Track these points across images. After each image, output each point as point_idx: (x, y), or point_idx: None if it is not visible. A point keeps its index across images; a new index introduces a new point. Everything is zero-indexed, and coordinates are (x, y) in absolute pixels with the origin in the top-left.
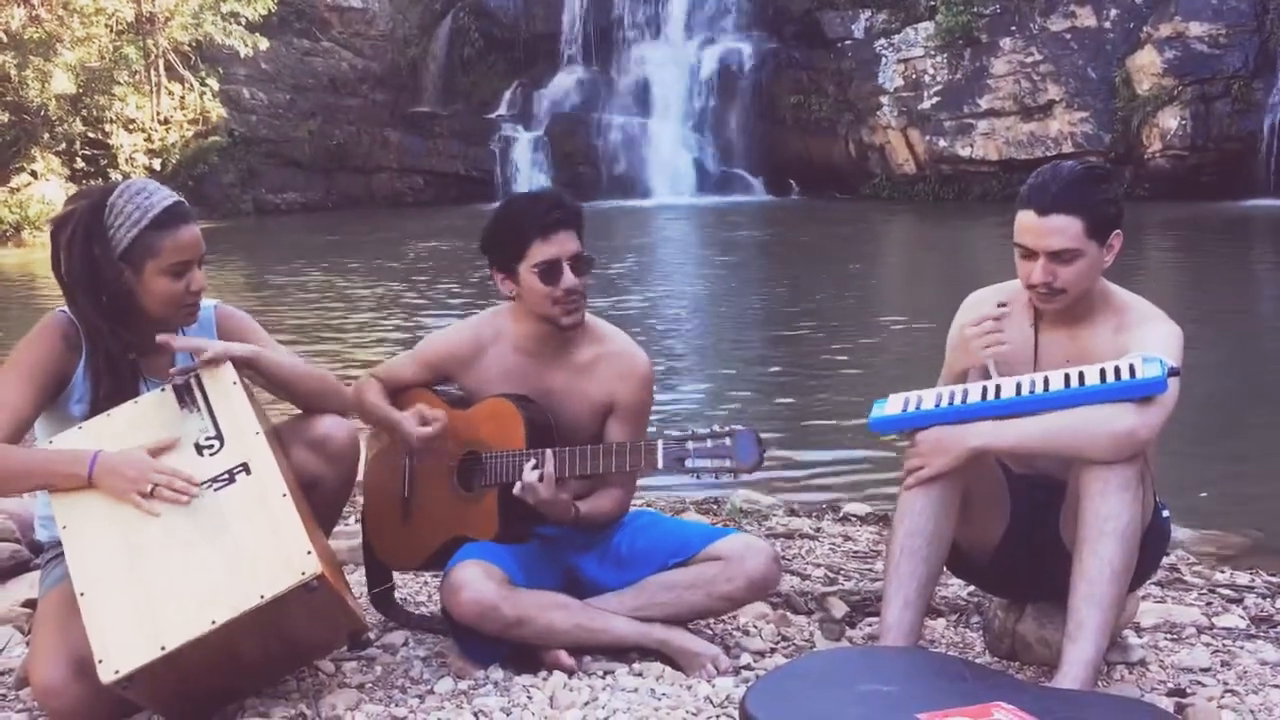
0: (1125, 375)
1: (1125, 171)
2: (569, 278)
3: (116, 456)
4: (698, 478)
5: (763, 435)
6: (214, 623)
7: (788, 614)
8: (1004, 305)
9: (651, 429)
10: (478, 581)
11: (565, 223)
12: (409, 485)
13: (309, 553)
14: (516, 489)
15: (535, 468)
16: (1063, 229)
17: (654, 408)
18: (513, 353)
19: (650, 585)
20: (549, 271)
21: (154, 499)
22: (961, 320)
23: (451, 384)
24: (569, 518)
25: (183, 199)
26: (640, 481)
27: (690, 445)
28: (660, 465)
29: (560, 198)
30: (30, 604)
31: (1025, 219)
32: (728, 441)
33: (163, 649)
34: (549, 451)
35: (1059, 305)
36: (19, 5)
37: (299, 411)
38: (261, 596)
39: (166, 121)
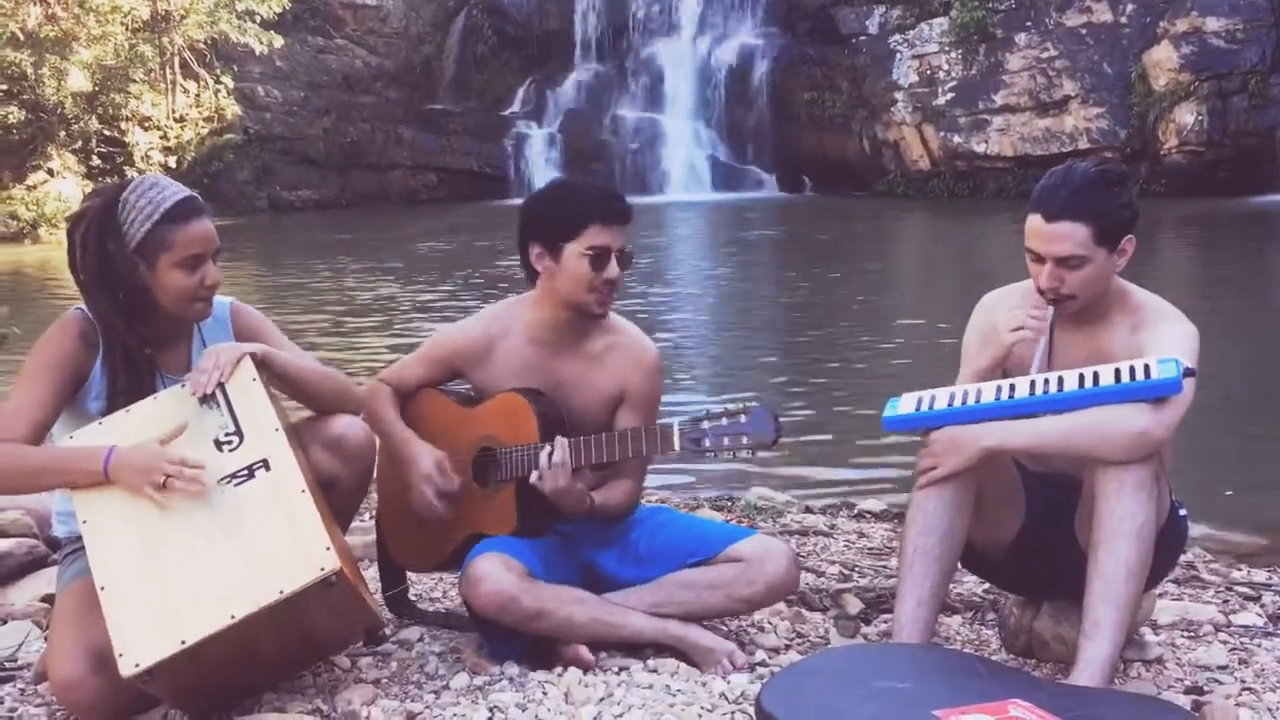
0: (1140, 375)
1: (1141, 167)
2: (614, 269)
3: (130, 450)
4: (715, 457)
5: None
6: (233, 617)
7: (803, 610)
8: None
9: (662, 421)
10: (498, 573)
11: (625, 217)
12: None
13: (328, 549)
14: (533, 478)
15: (551, 456)
16: (1069, 235)
17: (666, 402)
18: (525, 344)
19: (669, 583)
20: (599, 258)
21: (167, 491)
22: (977, 320)
23: (460, 381)
24: (584, 509)
25: (195, 194)
26: (654, 478)
27: (706, 425)
28: (677, 447)
29: (617, 190)
30: (48, 599)
31: (1033, 223)
32: (743, 419)
33: (182, 643)
34: (564, 440)
35: (1070, 309)
36: (35, 4)
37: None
38: (281, 592)
39: (182, 119)
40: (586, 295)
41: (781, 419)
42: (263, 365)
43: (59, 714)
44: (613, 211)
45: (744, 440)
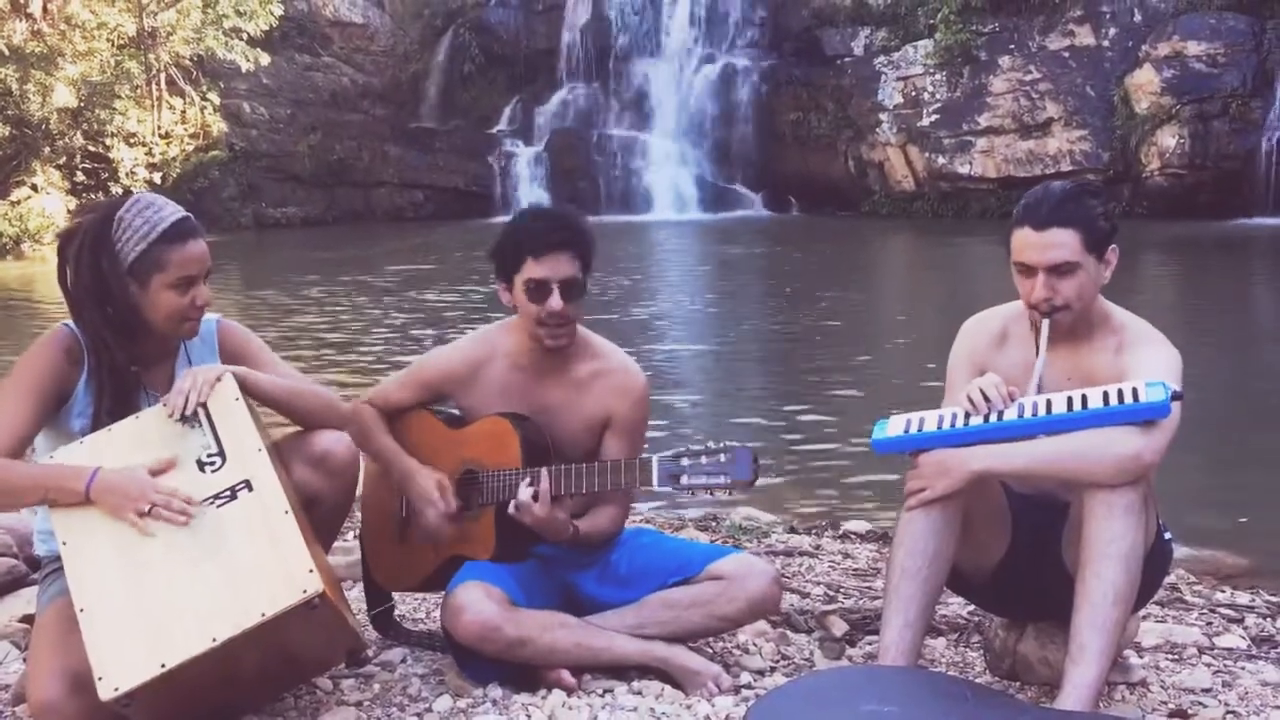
0: (1129, 399)
1: (1123, 190)
2: (555, 301)
3: (116, 474)
4: (693, 495)
5: (763, 451)
6: (215, 640)
7: (787, 632)
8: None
9: (648, 445)
10: (479, 603)
11: (563, 245)
12: (407, 505)
13: (311, 571)
14: (511, 508)
15: (530, 486)
16: (1062, 242)
17: (652, 426)
18: (510, 369)
19: (650, 604)
20: (537, 291)
21: (151, 518)
22: (960, 345)
23: (447, 403)
24: (566, 536)
25: (190, 215)
26: (638, 498)
27: (686, 462)
28: (655, 483)
29: (565, 218)
30: (28, 619)
31: (1022, 236)
32: (723, 458)
33: (163, 666)
34: (544, 470)
35: (1064, 321)
36: (21, 19)
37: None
38: (263, 614)
39: (167, 135)
40: (536, 329)
41: (765, 452)
42: (241, 386)
43: None
44: (544, 243)
45: (722, 480)
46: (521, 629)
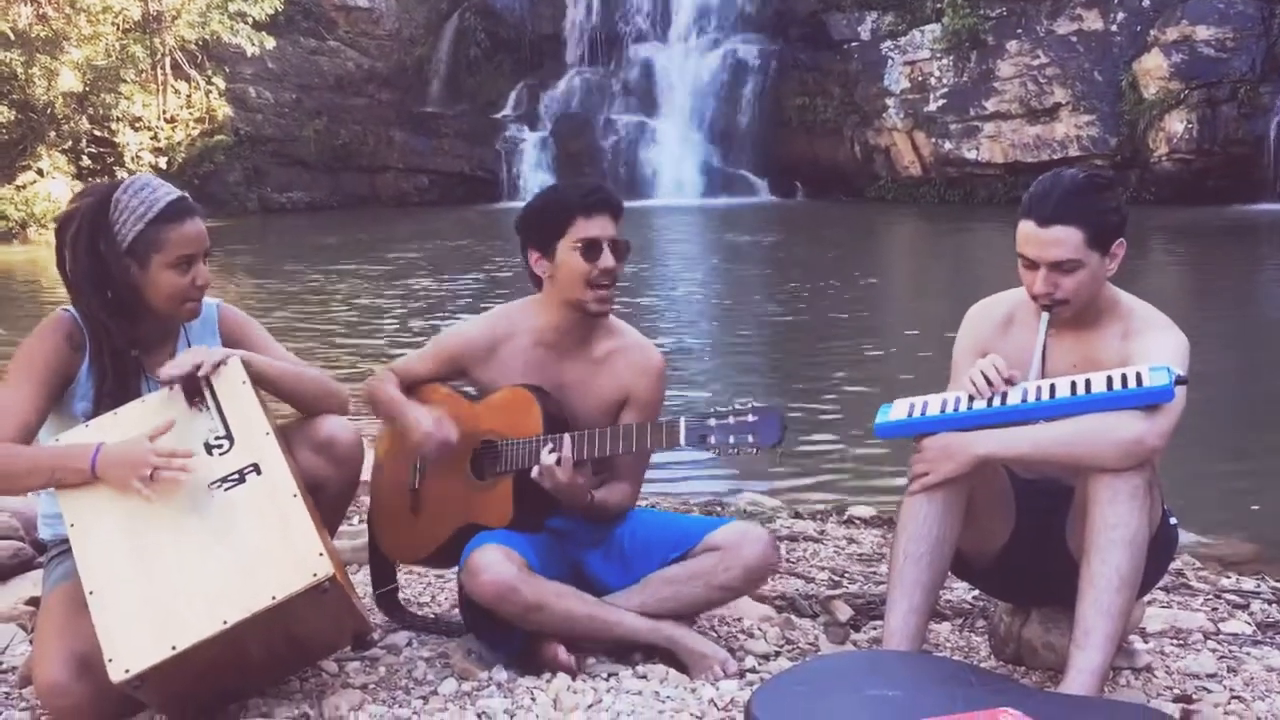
0: (1132, 383)
1: (1131, 175)
2: (608, 257)
3: (117, 446)
4: (719, 455)
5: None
6: (225, 623)
7: (792, 617)
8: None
9: (667, 418)
10: (499, 564)
11: (608, 205)
12: (420, 476)
13: (321, 554)
14: (534, 472)
15: (553, 451)
16: (1063, 240)
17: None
18: (531, 346)
19: (652, 582)
20: (590, 249)
21: (154, 483)
22: (965, 330)
23: (465, 380)
24: (583, 504)
25: (186, 194)
26: (645, 482)
27: (713, 422)
28: (683, 443)
29: (605, 184)
30: (34, 602)
31: (1026, 230)
32: (751, 418)
33: (174, 648)
34: (566, 435)
35: (1064, 314)
36: (26, 3)
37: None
38: (273, 597)
39: (173, 120)
40: (584, 291)
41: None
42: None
43: (44, 719)
44: (595, 203)
45: (749, 439)
46: (539, 594)
